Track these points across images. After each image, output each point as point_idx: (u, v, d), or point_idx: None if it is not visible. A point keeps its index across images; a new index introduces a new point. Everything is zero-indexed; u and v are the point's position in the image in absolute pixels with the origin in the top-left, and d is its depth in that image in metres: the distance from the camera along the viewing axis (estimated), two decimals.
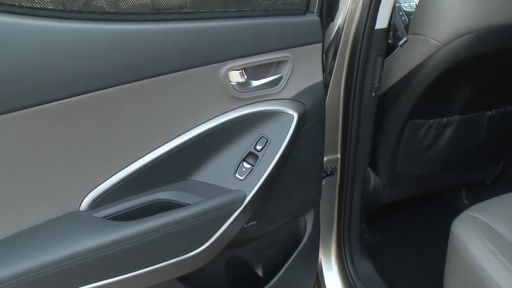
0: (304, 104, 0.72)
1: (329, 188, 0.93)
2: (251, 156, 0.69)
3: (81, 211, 0.55)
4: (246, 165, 0.69)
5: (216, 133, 0.66)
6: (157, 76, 0.55)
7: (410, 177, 1.02)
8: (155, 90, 0.56)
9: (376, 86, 0.84)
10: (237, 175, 0.68)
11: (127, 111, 0.55)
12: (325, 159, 0.90)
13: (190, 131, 0.64)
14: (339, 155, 0.91)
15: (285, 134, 0.70)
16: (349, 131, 0.86)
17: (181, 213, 0.61)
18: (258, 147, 0.70)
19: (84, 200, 0.55)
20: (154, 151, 0.61)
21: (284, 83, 0.69)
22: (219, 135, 0.67)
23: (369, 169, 1.01)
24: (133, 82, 0.53)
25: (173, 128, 0.62)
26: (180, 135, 0.62)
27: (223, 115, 0.66)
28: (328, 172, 0.90)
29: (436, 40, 0.76)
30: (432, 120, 0.91)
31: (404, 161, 0.98)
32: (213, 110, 0.65)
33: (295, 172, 0.76)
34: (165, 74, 0.56)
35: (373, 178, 1.01)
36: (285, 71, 0.68)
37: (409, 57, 0.83)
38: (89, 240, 0.51)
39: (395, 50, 0.89)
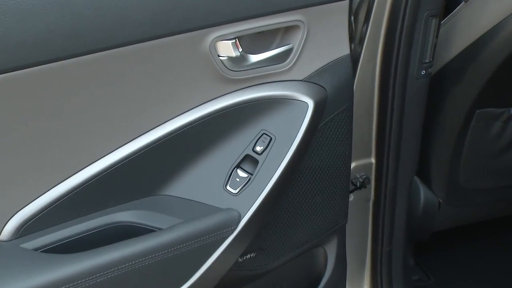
0: (323, 87, 0.76)
1: (360, 207, 0.97)
2: (249, 160, 0.73)
3: (1, 241, 0.56)
4: (241, 173, 0.73)
5: (199, 129, 0.69)
6: (113, 48, 0.56)
7: (478, 192, 1.04)
8: (110, 68, 0.58)
9: (427, 60, 0.85)
10: (228, 187, 0.73)
11: (70, 98, 0.56)
12: (353, 165, 0.93)
13: (162, 126, 0.67)
14: (373, 160, 0.95)
15: (296, 130, 0.73)
16: (388, 125, 0.89)
17: (149, 242, 0.63)
18: (258, 148, 0.74)
19: (6, 226, 0.55)
20: (111, 154, 0.64)
21: (295, 59, 0.72)
22: (204, 132, 0.70)
23: (417, 179, 1.04)
24: (79, 56, 0.54)
25: (138, 122, 0.65)
26: (148, 131, 0.66)
27: (209, 103, 0.70)
28: (358, 184, 0.93)
29: None
30: (511, 110, 0.93)
31: (470, 169, 0.99)
32: (194, 96, 0.68)
33: (311, 183, 0.81)
34: (126, 45, 0.57)
35: (423, 192, 1.04)
36: (296, 41, 0.70)
37: (478, 18, 0.83)
38: (12, 283, 0.51)
39: (458, 8, 0.89)
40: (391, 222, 0.96)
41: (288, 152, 0.73)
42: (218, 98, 0.70)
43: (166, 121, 0.67)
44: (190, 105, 0.68)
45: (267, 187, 0.72)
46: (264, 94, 0.73)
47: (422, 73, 0.86)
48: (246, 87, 0.71)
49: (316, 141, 0.77)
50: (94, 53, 0.55)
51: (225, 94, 0.70)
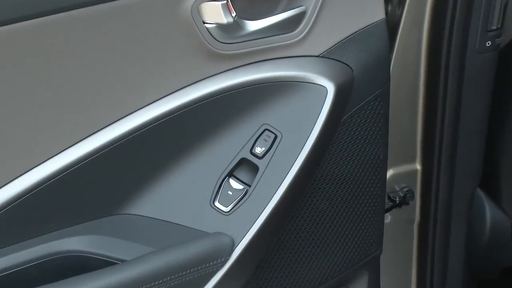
0: (348, 66, 0.77)
1: (400, 232, 0.99)
2: (245, 167, 0.75)
3: None
4: (235, 184, 0.75)
5: (176, 124, 0.72)
6: (60, 12, 0.60)
7: None
8: (55, 38, 0.60)
9: (494, 27, 0.86)
10: (217, 203, 0.74)
11: None
12: (390, 173, 0.95)
13: (126, 119, 0.69)
14: (418, 166, 0.97)
15: (310, 126, 0.75)
16: (440, 118, 0.91)
17: (108, 279, 0.65)
18: (259, 150, 0.75)
19: None
20: (56, 157, 0.66)
21: (309, 26, 0.74)
22: (183, 127, 0.73)
23: (481, 193, 1.04)
24: (10, 23, 0.57)
25: (92, 114, 0.67)
26: (107, 127, 0.68)
27: (190, 88, 0.72)
28: (398, 200, 0.96)
29: None
30: None
31: None
32: (170, 79, 0.70)
33: (331, 199, 0.82)
34: (77, 7, 0.60)
35: (490, 212, 1.04)
36: (310, 1, 0.72)
37: None
38: None
39: None
40: (445, 254, 0.97)
41: (300, 156, 0.74)
42: (203, 81, 0.72)
43: (132, 113, 0.69)
44: (165, 90, 0.70)
45: (270, 203, 0.73)
46: (266, 76, 0.74)
47: (487, 44, 0.87)
48: (241, 66, 0.73)
49: (338, 140, 0.78)
50: (35, 18, 0.58)
51: (212, 76, 0.72)
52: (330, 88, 0.76)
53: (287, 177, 0.75)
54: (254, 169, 0.75)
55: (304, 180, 0.77)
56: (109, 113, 0.68)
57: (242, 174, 0.75)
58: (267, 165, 0.75)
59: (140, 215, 0.74)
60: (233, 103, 0.74)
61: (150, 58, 0.68)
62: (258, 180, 0.74)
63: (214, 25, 0.68)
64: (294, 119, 0.76)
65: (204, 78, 0.72)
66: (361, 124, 0.81)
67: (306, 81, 0.76)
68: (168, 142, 0.74)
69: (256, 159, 0.75)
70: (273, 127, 0.76)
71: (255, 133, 0.76)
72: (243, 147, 0.76)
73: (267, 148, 0.75)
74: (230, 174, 0.75)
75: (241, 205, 0.74)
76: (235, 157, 0.75)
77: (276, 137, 0.75)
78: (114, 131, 0.69)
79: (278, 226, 0.77)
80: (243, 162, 0.76)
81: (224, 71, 0.73)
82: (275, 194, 0.74)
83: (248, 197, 0.74)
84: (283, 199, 0.74)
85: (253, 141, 0.76)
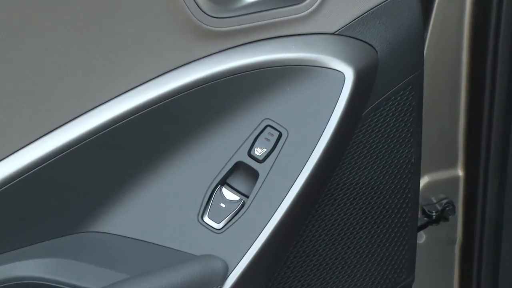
0: (371, 46, 0.78)
1: (437, 255, 1.00)
2: (242, 172, 0.76)
3: None
4: (229, 194, 0.76)
5: (157, 117, 0.72)
6: None
7: None
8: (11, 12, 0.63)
9: None
10: (207, 218, 0.75)
11: None
12: (424, 181, 0.97)
13: (94, 112, 0.70)
14: (460, 173, 0.98)
15: (323, 121, 0.76)
16: (487, 112, 0.92)
17: None
18: (259, 152, 0.76)
19: None
20: (4, 161, 0.67)
21: None
22: (165, 123, 0.74)
23: None
24: None
25: (51, 107, 0.68)
26: (68, 123, 0.69)
27: (174, 73, 0.73)
28: (434, 215, 0.97)
29: None
30: None
31: None
32: (149, 62, 0.71)
33: (350, 213, 0.82)
34: None
35: None
36: None
37: None
38: None
39: None
40: (493, 282, 0.98)
41: (310, 159, 0.75)
42: (189, 66, 0.73)
43: (98, 106, 0.70)
44: (141, 77, 0.71)
45: (272, 219, 0.74)
46: (268, 58, 0.75)
47: None
48: (237, 46, 0.74)
49: (358, 140, 0.79)
50: None
51: (201, 59, 0.73)
52: (349, 74, 0.76)
53: (294, 186, 0.75)
54: (253, 175, 0.76)
55: (316, 190, 0.78)
56: (69, 107, 0.70)
57: (238, 182, 0.76)
58: (269, 170, 0.75)
59: (110, 233, 0.74)
60: (226, 93, 0.75)
61: (122, 36, 0.69)
62: (258, 190, 0.75)
63: None
64: (303, 113, 0.77)
65: (191, 62, 0.73)
66: (388, 120, 0.81)
67: (318, 65, 0.76)
68: (146, 142, 0.75)
69: (256, 163, 0.76)
70: (277, 123, 0.76)
71: (254, 130, 0.76)
72: (239, 148, 0.76)
73: (269, 149, 0.76)
74: (223, 182, 0.76)
75: (236, 221, 0.74)
76: (229, 160, 0.76)
77: (280, 135, 0.76)
78: (75, 129, 0.70)
79: (283, 247, 0.77)
80: (239, 166, 0.76)
81: (216, 53, 0.73)
82: (279, 208, 0.75)
83: (246, 211, 0.74)
84: (289, 213, 0.75)
85: (252, 141, 0.76)
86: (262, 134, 0.76)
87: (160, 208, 0.76)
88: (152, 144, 0.75)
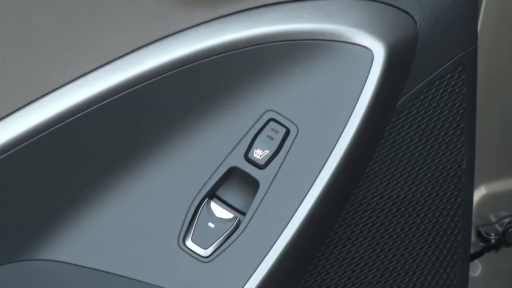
0: (408, 15, 0.73)
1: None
2: (237, 181, 0.72)
3: None
4: (219, 210, 0.71)
5: (125, 109, 0.70)
6: None
7: None
8: None
9: None
10: (190, 242, 0.70)
11: None
12: (480, 193, 0.92)
13: (37, 105, 0.67)
14: None
15: (344, 114, 0.71)
16: None
17: None
18: (259, 154, 0.71)
19: None
20: None
21: None
22: (138, 116, 0.71)
23: None
24: None
25: None
26: (13, 113, 0.66)
27: (147, 50, 0.69)
28: (493, 238, 0.92)
29: None
30: None
31: None
32: (111, 37, 0.69)
33: (380, 235, 0.78)
34: None
35: None
36: None
37: None
38: None
39: None
40: None
41: (327, 164, 0.69)
42: (166, 40, 0.69)
43: (44, 96, 0.67)
44: (101, 58, 0.68)
45: (277, 244, 0.69)
46: (271, 31, 0.70)
47: None
48: (229, 15, 0.70)
49: (391, 138, 0.74)
50: None
51: (182, 31, 0.69)
52: (378, 52, 0.70)
53: (305, 201, 0.70)
54: (251, 186, 0.70)
55: (334, 206, 0.73)
56: (18, 94, 0.68)
57: (232, 194, 0.71)
58: (273, 179, 0.70)
59: (63, 262, 0.70)
60: (216, 77, 0.71)
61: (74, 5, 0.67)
62: (258, 205, 0.69)
63: None
64: (318, 103, 0.71)
65: (169, 36, 0.69)
66: (431, 112, 0.75)
67: (338, 39, 0.70)
68: (110, 141, 0.71)
69: (255, 169, 0.70)
70: (283, 116, 0.70)
71: (253, 125, 0.71)
72: (233, 150, 0.71)
73: (272, 151, 0.70)
74: (212, 195, 0.71)
75: (229, 246, 0.69)
76: (220, 165, 0.71)
77: (287, 132, 0.70)
78: (14, 126, 0.68)
79: (291, 280, 0.72)
80: (233, 174, 0.71)
81: (201, 24, 0.69)
82: (286, 230, 0.69)
83: (241, 233, 0.69)
84: (298, 238, 0.70)
85: (250, 140, 0.70)
86: (264, 131, 0.70)
87: (129, 229, 0.72)
88: (120, 144, 0.71)
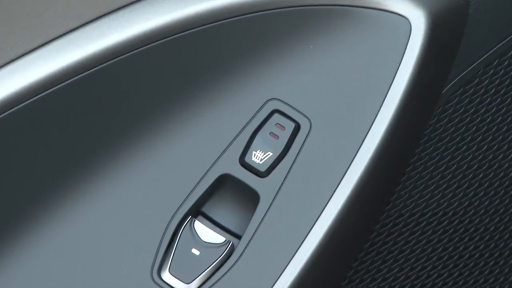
0: None
1: None
2: (230, 193, 0.65)
3: None
4: (206, 232, 0.64)
5: (83, 96, 0.65)
6: None
7: None
8: None
9: None
10: (167, 275, 0.63)
11: None
12: None
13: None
14: None
15: (373, 104, 0.64)
16: None
17: None
18: (259, 157, 0.63)
19: None
20: None
21: None
22: (100, 106, 0.66)
23: None
24: None
25: None
26: None
27: (112, 19, 0.64)
28: None
29: None
30: None
31: None
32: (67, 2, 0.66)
33: (418, 265, 0.72)
34: None
35: None
36: None
37: None
38: None
39: None
40: None
41: (350, 171, 0.62)
42: (141, 4, 0.64)
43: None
44: (57, 28, 0.64)
45: (282, 279, 0.62)
46: None
47: None
48: None
49: (436, 136, 0.68)
50: None
51: None
52: (418, 22, 0.64)
53: (321, 218, 0.62)
54: (249, 199, 0.63)
55: (360, 226, 0.66)
56: None
57: (223, 210, 0.64)
58: (278, 191, 0.62)
59: None
60: (204, 53, 0.64)
61: None
62: (258, 225, 0.62)
63: None
64: (338, 91, 0.64)
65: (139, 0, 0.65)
66: (488, 100, 0.69)
67: (366, 5, 0.64)
68: (63, 140, 0.64)
69: (254, 177, 0.62)
70: (291, 107, 0.63)
71: (252, 119, 0.63)
72: (224, 151, 0.63)
73: (277, 154, 0.62)
74: (197, 211, 0.63)
75: (219, 280, 0.62)
76: (207, 172, 0.63)
77: (297, 128, 0.62)
78: None
79: None
80: (224, 183, 0.63)
81: None
82: (295, 258, 0.61)
83: (236, 262, 0.62)
84: (312, 268, 0.62)
85: (248, 138, 0.63)
86: (266, 127, 0.62)
87: (89, 256, 0.64)
88: (73, 145, 0.65)
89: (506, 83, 0.69)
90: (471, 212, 0.71)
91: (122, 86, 0.64)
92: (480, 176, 0.71)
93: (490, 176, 0.71)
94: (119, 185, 0.65)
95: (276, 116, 0.62)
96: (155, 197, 0.64)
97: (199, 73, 0.64)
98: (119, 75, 0.64)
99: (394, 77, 0.62)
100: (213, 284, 0.61)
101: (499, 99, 0.70)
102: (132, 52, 0.63)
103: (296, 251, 0.61)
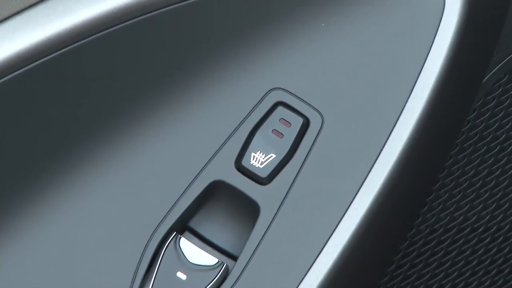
0: None
1: None
2: (224, 205, 0.60)
3: None
4: (194, 251, 0.59)
5: (46, 86, 0.60)
6: None
7: None
8: None
9: None
10: None
11: None
12: None
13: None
14: None
15: (399, 96, 0.59)
16: None
17: None
18: (260, 161, 0.58)
19: None
20: None
21: None
22: (66, 101, 0.61)
23: None
24: None
25: None
26: None
27: None
28: None
29: None
30: None
31: None
32: None
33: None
34: None
35: None
36: None
37: None
38: None
39: None
40: None
41: (370, 178, 0.57)
42: None
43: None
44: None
45: None
46: None
47: None
48: None
49: (476, 134, 0.65)
50: None
51: None
52: (453, 2, 0.59)
53: (334, 235, 0.56)
54: (248, 212, 0.58)
55: (382, 244, 0.61)
56: None
57: (215, 225, 0.59)
58: (283, 201, 0.57)
59: None
60: (190, 35, 0.59)
61: None
62: (258, 244, 0.56)
63: None
64: (355, 80, 0.58)
65: None
66: None
67: None
68: (23, 140, 0.59)
69: (253, 184, 0.57)
70: (299, 98, 0.57)
71: (251, 112, 0.58)
72: (217, 152, 0.58)
73: (281, 156, 0.57)
74: (183, 227, 0.58)
75: None
76: (195, 178, 0.57)
77: (306, 124, 0.57)
78: None
79: None
80: (217, 192, 0.58)
81: None
82: (302, 284, 0.56)
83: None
84: None
85: (246, 136, 0.57)
86: (268, 123, 0.57)
87: (59, 278, 0.60)
88: (41, 144, 0.59)
89: None
90: None
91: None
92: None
93: None
94: (93, 195, 0.59)
95: (280, 109, 0.56)
96: (133, 208, 0.58)
97: (186, 58, 0.59)
98: (80, 59, 0.57)
99: (424, 63, 0.57)
100: None
101: None
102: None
103: (303, 277, 0.56)
